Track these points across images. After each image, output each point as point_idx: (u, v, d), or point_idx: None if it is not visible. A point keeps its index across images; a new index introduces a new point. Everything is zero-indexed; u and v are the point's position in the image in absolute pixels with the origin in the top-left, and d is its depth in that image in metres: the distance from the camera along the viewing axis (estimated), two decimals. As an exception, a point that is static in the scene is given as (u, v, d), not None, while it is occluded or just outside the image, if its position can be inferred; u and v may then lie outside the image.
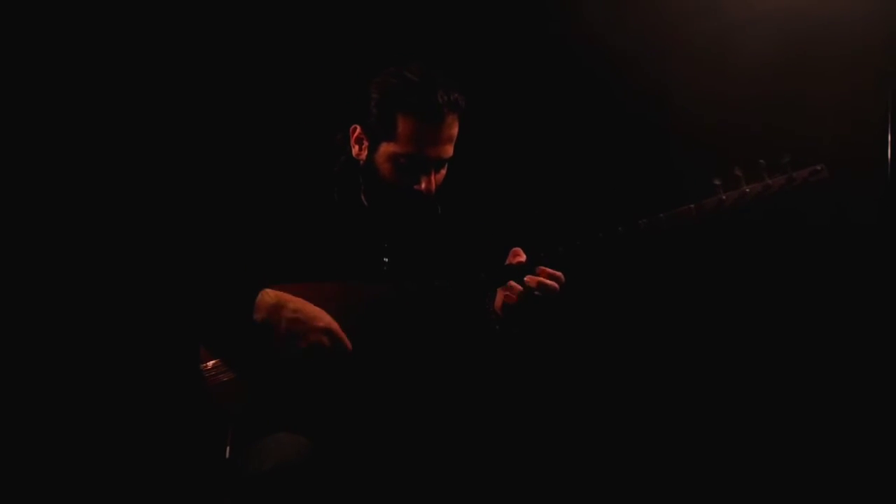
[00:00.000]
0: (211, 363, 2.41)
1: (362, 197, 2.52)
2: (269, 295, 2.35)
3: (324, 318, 2.35)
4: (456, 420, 2.50)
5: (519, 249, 2.40)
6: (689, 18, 3.15)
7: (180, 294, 2.44)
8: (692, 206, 2.34)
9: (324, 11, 3.18)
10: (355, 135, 2.47)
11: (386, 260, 2.50)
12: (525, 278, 2.33)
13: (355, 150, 2.48)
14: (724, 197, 2.33)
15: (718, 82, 3.14)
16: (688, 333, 3.26)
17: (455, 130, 2.40)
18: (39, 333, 3.11)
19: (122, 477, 3.13)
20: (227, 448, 2.42)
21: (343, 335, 2.35)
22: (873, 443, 3.10)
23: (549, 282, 2.32)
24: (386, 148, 2.40)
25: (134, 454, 3.14)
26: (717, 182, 2.33)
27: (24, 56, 3.08)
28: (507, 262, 2.40)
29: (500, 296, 2.42)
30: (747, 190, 2.33)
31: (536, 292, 2.32)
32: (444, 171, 2.44)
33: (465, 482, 2.43)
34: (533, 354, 3.03)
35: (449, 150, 2.41)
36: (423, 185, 2.39)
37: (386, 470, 2.41)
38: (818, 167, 2.35)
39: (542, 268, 2.33)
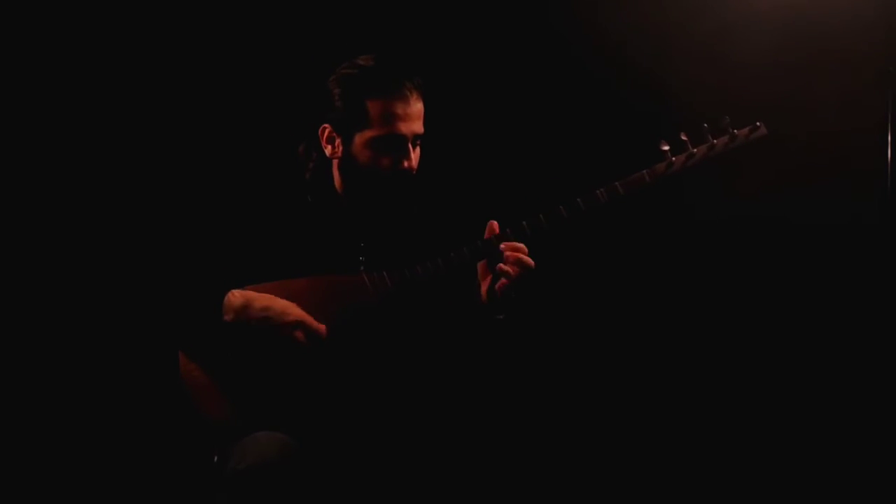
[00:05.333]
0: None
1: (339, 195, 2.55)
2: (235, 296, 2.38)
3: (293, 311, 2.39)
4: (437, 412, 2.52)
5: (495, 222, 2.43)
6: (688, 17, 3.21)
7: (151, 298, 2.50)
8: (644, 171, 2.44)
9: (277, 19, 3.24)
10: (325, 134, 2.51)
11: (362, 259, 2.53)
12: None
13: (328, 149, 2.52)
14: (673, 160, 2.43)
15: (718, 81, 3.17)
16: (682, 329, 3.27)
17: (421, 106, 2.47)
18: (13, 339, 3.15)
19: (103, 481, 3.17)
20: (215, 455, 2.44)
21: (315, 324, 2.39)
22: (873, 443, 3.06)
23: (517, 254, 2.37)
24: (361, 136, 2.45)
25: (116, 460, 3.17)
26: (665, 147, 2.43)
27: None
28: (486, 235, 2.44)
29: (483, 284, 2.45)
30: (694, 151, 2.43)
31: (507, 266, 2.36)
32: (419, 151, 2.50)
33: (451, 477, 2.43)
34: (521, 345, 3.06)
35: (420, 126, 2.47)
36: (406, 164, 2.45)
37: (369, 466, 2.43)
38: (757, 124, 2.44)
39: (506, 243, 2.38)
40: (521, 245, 2.38)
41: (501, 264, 2.36)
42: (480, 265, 2.43)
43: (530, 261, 2.37)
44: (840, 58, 3.14)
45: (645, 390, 3.29)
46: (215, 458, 2.43)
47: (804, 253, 3.22)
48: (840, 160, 3.16)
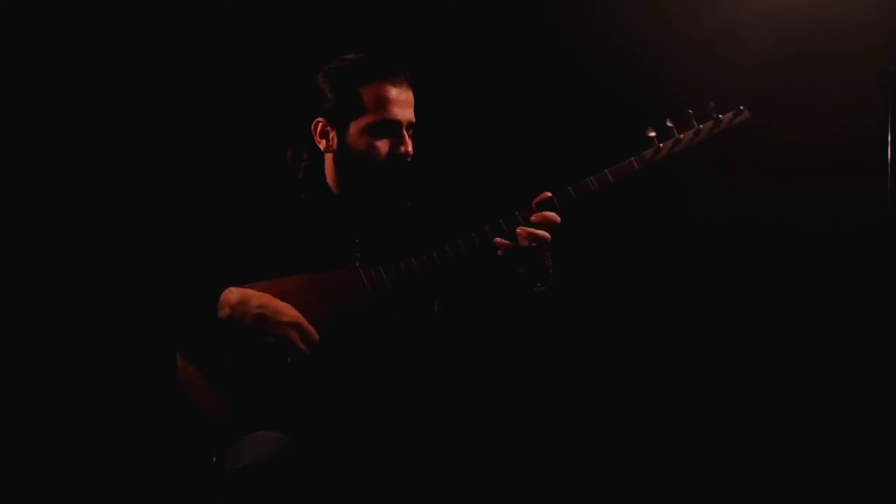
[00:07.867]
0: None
1: (333, 192, 2.57)
2: (232, 293, 2.41)
3: (289, 311, 2.41)
4: (435, 408, 2.53)
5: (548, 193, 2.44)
6: (688, 17, 3.24)
7: (148, 297, 2.56)
8: (633, 158, 2.47)
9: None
10: (319, 129, 2.53)
11: (358, 255, 2.54)
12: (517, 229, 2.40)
13: (322, 143, 2.53)
14: (660, 146, 2.46)
15: (718, 81, 3.17)
16: (684, 332, 3.26)
17: (412, 95, 2.51)
18: (11, 338, 3.17)
19: (102, 481, 3.18)
20: (213, 455, 2.47)
21: (309, 327, 2.41)
22: (873, 443, 3.04)
23: (539, 231, 2.39)
24: (357, 125, 2.47)
25: (115, 461, 3.19)
26: (652, 134, 2.46)
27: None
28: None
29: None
30: (681, 137, 2.47)
31: (527, 241, 2.38)
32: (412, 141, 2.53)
33: (450, 474, 2.43)
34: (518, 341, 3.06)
35: (412, 115, 2.51)
36: (403, 149, 2.48)
37: (367, 463, 2.44)
38: (741, 108, 2.47)
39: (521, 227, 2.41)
40: (552, 215, 2.38)
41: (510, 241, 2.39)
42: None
43: (546, 235, 2.37)
44: (840, 57, 3.16)
45: (643, 388, 3.28)
46: (214, 459, 2.45)
47: (804, 253, 3.22)
48: (840, 160, 3.16)
